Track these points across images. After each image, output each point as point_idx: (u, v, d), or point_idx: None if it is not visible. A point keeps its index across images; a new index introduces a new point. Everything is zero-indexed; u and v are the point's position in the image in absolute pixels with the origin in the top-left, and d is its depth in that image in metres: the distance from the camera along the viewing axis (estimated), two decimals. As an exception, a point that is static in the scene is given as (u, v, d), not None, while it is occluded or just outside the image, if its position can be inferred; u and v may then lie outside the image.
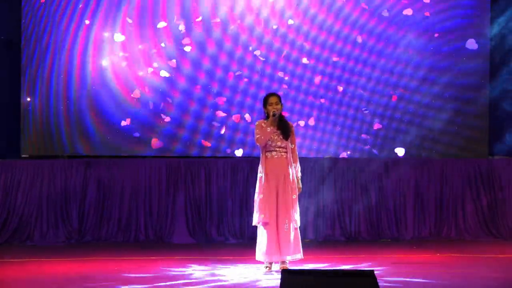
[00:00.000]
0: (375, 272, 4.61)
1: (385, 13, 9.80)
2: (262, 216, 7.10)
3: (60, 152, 9.59)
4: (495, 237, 9.60)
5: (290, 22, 9.71)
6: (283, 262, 7.16)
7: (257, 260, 7.24)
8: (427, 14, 9.81)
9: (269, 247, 7.07)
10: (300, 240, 7.20)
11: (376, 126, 9.77)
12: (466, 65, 9.88)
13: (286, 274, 4.54)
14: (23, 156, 9.60)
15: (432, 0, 9.83)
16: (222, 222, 9.47)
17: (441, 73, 9.87)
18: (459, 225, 9.66)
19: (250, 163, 9.41)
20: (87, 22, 9.58)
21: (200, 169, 9.50)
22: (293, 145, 7.28)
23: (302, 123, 9.68)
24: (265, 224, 7.09)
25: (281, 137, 7.20)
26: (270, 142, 7.19)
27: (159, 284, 6.59)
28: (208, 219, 9.47)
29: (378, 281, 4.49)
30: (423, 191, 9.70)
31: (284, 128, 7.21)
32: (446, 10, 9.90)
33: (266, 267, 7.20)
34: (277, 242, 7.08)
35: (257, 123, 7.29)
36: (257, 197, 7.19)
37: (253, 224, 7.25)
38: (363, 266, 7.51)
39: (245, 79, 9.68)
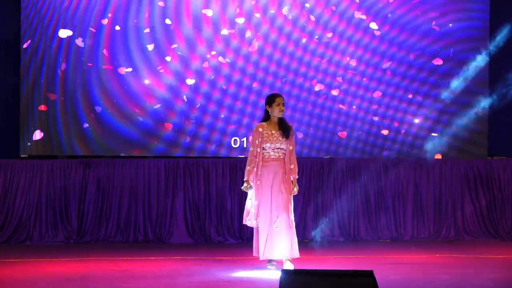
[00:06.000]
0: (374, 272, 4.61)
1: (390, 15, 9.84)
2: (249, 221, 7.25)
3: (59, 153, 9.57)
4: (494, 237, 9.60)
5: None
6: (288, 260, 7.17)
7: (257, 260, 7.26)
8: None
9: (263, 246, 7.12)
10: (296, 240, 7.20)
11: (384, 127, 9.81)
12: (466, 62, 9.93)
13: (285, 274, 4.53)
14: (22, 156, 9.59)
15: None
16: (221, 222, 9.47)
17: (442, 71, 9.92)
18: (458, 225, 9.66)
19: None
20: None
21: (199, 169, 9.50)
22: (292, 147, 7.29)
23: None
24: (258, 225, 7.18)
25: (281, 138, 7.21)
26: (269, 145, 7.21)
27: (158, 284, 6.60)
28: (207, 219, 9.46)
29: (377, 281, 4.48)
30: (422, 191, 9.70)
31: (284, 129, 7.25)
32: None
33: (267, 265, 7.23)
34: (271, 242, 7.10)
35: (255, 127, 7.30)
36: (253, 199, 7.26)
37: (249, 224, 7.32)
38: (362, 267, 7.52)
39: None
